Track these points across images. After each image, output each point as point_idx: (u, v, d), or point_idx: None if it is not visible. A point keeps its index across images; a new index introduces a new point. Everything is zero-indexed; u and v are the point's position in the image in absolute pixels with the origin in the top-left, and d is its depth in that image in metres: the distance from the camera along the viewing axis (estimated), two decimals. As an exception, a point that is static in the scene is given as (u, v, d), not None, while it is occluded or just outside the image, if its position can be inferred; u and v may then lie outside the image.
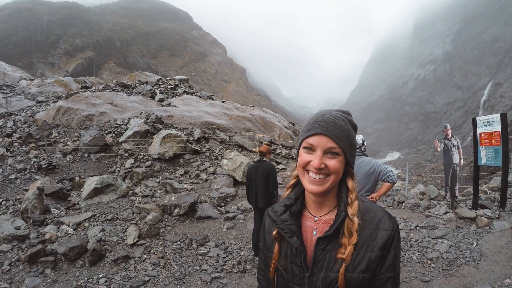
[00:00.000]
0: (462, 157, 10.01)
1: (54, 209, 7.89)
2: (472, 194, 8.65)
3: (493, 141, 7.94)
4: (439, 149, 9.80)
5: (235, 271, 5.80)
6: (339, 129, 1.27)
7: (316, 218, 1.37)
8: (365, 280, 1.24)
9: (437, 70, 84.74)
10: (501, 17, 71.01)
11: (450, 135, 9.90)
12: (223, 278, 5.56)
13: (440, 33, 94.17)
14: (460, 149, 9.95)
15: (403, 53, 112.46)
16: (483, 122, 8.26)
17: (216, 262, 6.09)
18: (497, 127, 7.83)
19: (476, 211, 7.85)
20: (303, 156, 1.30)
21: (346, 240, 1.24)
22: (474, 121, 8.59)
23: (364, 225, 1.28)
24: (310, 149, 1.28)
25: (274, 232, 1.41)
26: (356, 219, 1.26)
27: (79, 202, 8.57)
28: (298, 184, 1.43)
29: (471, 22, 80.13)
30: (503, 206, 7.97)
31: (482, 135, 8.26)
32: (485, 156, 8.21)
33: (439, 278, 5.38)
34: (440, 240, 6.72)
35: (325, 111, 1.35)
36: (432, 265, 5.83)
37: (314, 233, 1.34)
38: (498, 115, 7.86)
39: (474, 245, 6.34)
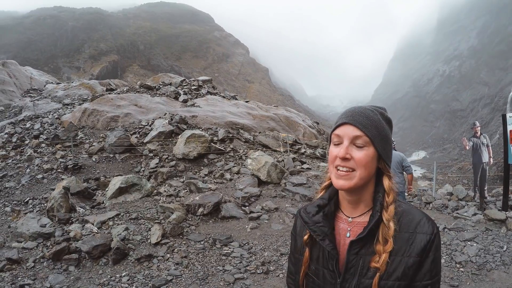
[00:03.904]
0: (491, 155, 9.69)
1: (79, 208, 8.05)
2: (502, 195, 8.35)
3: (524, 139, 7.65)
4: (467, 148, 9.51)
5: (258, 272, 5.77)
6: (365, 118, 1.22)
7: (350, 219, 1.29)
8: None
9: (463, 66, 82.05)
10: (527, 8, 68.18)
11: (479, 133, 9.60)
12: (247, 279, 5.54)
13: (464, 27, 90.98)
14: (490, 147, 9.64)
15: (427, 49, 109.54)
16: (514, 119, 7.95)
17: (240, 262, 6.07)
18: (529, 124, 7.54)
19: (506, 212, 7.57)
20: (332, 151, 1.25)
21: (381, 247, 1.16)
22: (504, 118, 8.27)
23: (401, 228, 1.20)
24: (339, 144, 1.23)
25: (306, 236, 1.34)
26: (391, 225, 1.18)
27: (104, 201, 8.72)
28: (332, 185, 1.35)
29: (496, 15, 77.03)
30: (535, 207, 7.66)
31: (513, 132, 7.96)
32: (516, 155, 7.90)
33: (468, 283, 5.21)
34: (469, 243, 6.49)
35: (355, 106, 1.31)
36: (461, 269, 5.65)
37: (348, 235, 1.27)
38: (530, 112, 7.56)
39: (505, 249, 6.10)
